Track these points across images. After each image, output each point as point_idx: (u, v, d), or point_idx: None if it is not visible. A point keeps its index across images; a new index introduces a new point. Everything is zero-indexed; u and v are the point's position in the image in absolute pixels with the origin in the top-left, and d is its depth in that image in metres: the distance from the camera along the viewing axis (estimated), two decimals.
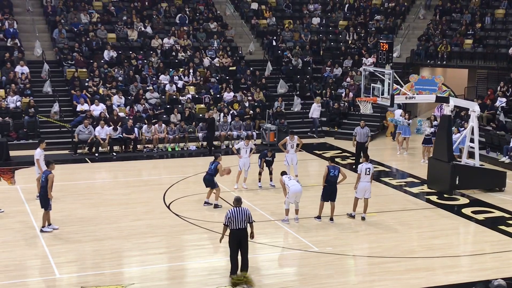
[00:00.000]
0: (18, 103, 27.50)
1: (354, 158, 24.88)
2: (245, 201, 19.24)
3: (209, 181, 18.81)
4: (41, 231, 16.52)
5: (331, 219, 17.67)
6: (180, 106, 29.16)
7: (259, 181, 21.08)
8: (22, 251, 15.30)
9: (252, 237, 13.87)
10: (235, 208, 13.65)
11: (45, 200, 16.47)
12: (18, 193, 20.21)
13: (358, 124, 24.24)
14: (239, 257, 13.76)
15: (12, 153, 25.02)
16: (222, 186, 19.52)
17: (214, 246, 15.79)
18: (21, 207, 18.79)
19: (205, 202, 19.02)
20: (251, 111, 29.48)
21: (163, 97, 29.81)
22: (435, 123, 25.99)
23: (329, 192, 17.52)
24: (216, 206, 18.75)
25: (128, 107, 28.55)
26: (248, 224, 13.71)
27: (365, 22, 37.36)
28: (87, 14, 33.76)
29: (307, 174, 23.21)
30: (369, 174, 17.69)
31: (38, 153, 19.03)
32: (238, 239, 13.63)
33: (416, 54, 34.43)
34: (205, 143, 27.26)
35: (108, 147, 26.12)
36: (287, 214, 17.56)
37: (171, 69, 31.37)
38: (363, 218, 17.88)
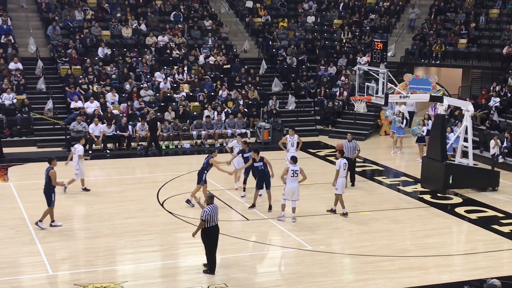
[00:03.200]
0: (15, 100, 27.43)
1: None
2: (238, 199, 19.32)
3: (199, 175, 18.56)
4: (51, 225, 16.70)
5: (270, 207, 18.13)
6: (174, 104, 29.14)
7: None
8: (15, 248, 15.26)
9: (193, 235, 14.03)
10: (211, 205, 13.76)
11: (48, 196, 16.59)
12: (11, 190, 20.14)
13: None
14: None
15: (6, 150, 24.96)
16: (217, 185, 19.46)
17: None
18: (14, 204, 18.74)
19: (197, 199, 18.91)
20: (245, 109, 29.45)
21: (157, 94, 29.77)
22: (429, 122, 26.01)
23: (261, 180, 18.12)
24: (188, 201, 18.65)
25: (123, 104, 28.48)
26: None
27: (359, 21, 37.38)
28: (81, 11, 33.68)
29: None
30: (345, 169, 17.93)
31: (81, 149, 19.54)
32: (216, 235, 13.84)
33: (411, 53, 34.49)
34: (199, 141, 27.33)
35: (102, 144, 26.06)
36: (283, 209, 17.56)
37: (165, 67, 31.32)
38: (344, 214, 17.94)
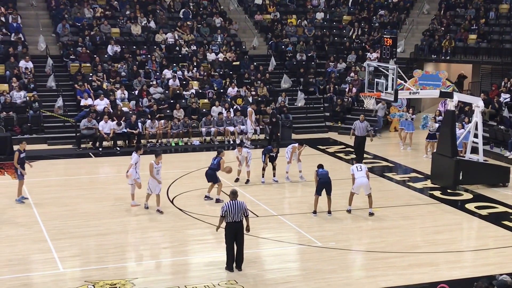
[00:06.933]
0: (27, 98, 27.53)
1: (354, 152, 24.82)
2: (248, 196, 19.37)
3: (212, 176, 18.84)
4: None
5: (329, 212, 17.79)
6: (183, 101, 29.19)
7: (263, 177, 21.08)
8: (25, 246, 15.35)
9: (247, 230, 13.96)
10: (231, 201, 13.78)
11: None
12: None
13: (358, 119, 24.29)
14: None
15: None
16: (224, 181, 19.51)
17: (217, 241, 15.78)
18: (25, 201, 18.80)
19: (206, 196, 19.07)
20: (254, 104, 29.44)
21: (167, 92, 29.81)
22: (439, 118, 25.94)
23: (322, 187, 17.63)
24: (217, 200, 18.75)
25: (133, 102, 28.55)
26: (244, 217, 13.82)
27: (369, 17, 37.28)
28: (90, 9, 33.75)
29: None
30: (361, 170, 17.74)
31: (135, 159, 18.37)
32: (234, 232, 13.75)
33: (420, 49, 34.36)
34: (208, 138, 27.44)
35: (112, 141, 26.14)
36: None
37: (174, 64, 31.37)
38: (370, 214, 17.87)
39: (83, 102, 27.92)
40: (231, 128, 27.66)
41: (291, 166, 21.33)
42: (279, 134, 27.53)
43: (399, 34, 35.13)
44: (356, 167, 17.91)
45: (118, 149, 25.99)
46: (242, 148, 20.95)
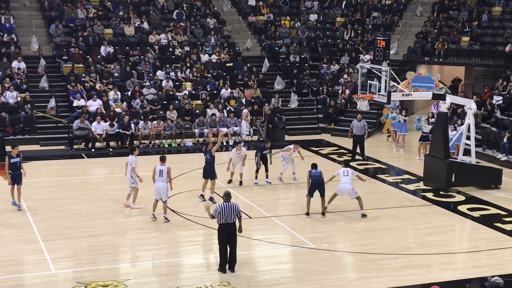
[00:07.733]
0: (19, 99, 27.44)
1: (351, 151, 25.29)
2: (241, 197, 19.35)
3: (209, 170, 18.76)
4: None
5: (322, 213, 17.82)
6: (177, 102, 29.17)
7: (256, 178, 21.06)
8: (17, 247, 15.29)
9: (240, 231, 13.98)
10: (224, 203, 13.78)
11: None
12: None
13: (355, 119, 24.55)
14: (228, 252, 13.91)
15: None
16: (218, 182, 19.49)
17: (210, 242, 15.81)
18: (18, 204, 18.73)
19: (201, 195, 19.04)
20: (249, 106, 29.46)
21: (160, 93, 29.78)
22: (432, 120, 26.00)
23: (314, 188, 17.65)
24: (211, 199, 18.70)
25: (125, 103, 28.51)
26: (237, 219, 13.83)
27: (362, 19, 37.35)
28: (83, 10, 33.68)
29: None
30: (347, 175, 17.78)
31: (134, 161, 18.19)
32: (227, 234, 13.75)
33: (413, 51, 34.45)
34: (201, 139, 27.39)
35: (104, 142, 26.09)
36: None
37: (167, 65, 31.34)
38: (363, 215, 17.88)
39: (75, 103, 27.86)
40: (224, 129, 27.66)
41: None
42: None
43: (392, 36, 35.22)
44: (343, 171, 17.92)
45: (111, 150, 25.95)
46: (241, 147, 20.83)
